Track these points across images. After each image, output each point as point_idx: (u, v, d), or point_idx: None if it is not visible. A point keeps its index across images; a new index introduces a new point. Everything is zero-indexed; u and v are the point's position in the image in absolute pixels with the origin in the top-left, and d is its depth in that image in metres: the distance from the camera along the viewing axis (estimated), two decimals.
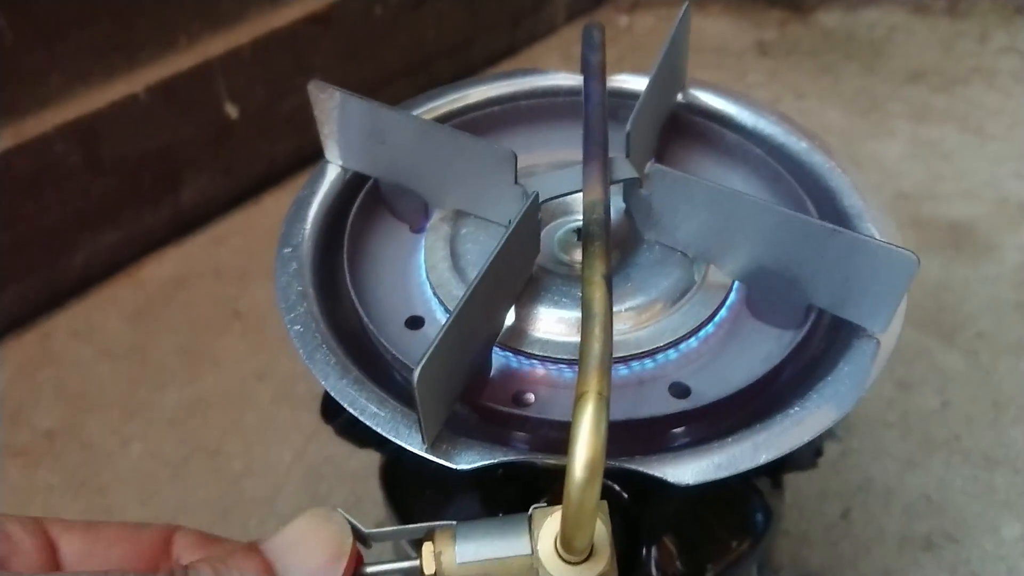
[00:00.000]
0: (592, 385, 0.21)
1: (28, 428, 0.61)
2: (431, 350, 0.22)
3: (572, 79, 0.39)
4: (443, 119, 0.37)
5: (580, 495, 0.20)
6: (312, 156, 0.88)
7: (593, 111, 0.31)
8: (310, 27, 0.78)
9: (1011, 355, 0.63)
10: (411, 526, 0.26)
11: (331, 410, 0.39)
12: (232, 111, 0.75)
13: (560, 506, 0.24)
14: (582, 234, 0.26)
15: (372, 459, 0.42)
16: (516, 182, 0.30)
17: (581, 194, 0.29)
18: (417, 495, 0.37)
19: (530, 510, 0.25)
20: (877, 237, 0.30)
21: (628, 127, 0.30)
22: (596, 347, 0.22)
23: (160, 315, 0.70)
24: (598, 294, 0.24)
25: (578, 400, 0.21)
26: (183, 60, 0.70)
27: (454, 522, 0.25)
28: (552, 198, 0.29)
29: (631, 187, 0.30)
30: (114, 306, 0.71)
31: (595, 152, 0.29)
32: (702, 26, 1.04)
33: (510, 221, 0.31)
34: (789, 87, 0.92)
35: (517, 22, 1.00)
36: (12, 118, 0.63)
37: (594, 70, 0.33)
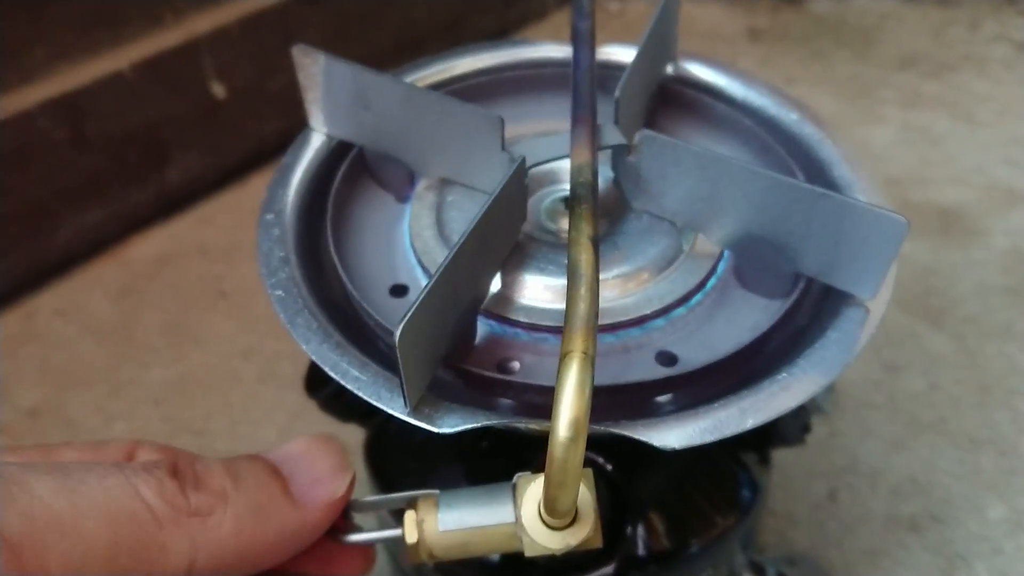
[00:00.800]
0: (577, 344, 0.21)
1: (10, 406, 0.60)
2: (412, 310, 0.21)
3: (560, 50, 0.38)
4: (431, 89, 0.36)
5: (564, 454, 0.20)
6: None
7: (581, 77, 0.30)
8: (299, 6, 0.77)
9: (997, 339, 0.63)
10: (394, 495, 0.26)
11: (315, 382, 0.39)
12: (219, 89, 0.75)
13: (544, 473, 0.24)
14: (569, 197, 0.26)
15: (356, 438, 0.42)
16: (503, 149, 0.29)
17: (568, 160, 0.29)
18: (401, 468, 0.36)
19: (514, 478, 0.25)
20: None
21: (617, 93, 0.30)
22: (582, 307, 0.22)
23: (145, 294, 0.69)
24: (584, 256, 0.23)
25: (563, 359, 0.21)
26: (169, 37, 0.70)
27: (437, 491, 0.25)
28: (539, 163, 0.29)
29: (619, 154, 0.30)
30: (99, 284, 0.70)
31: (583, 117, 0.28)
32: (693, 12, 1.03)
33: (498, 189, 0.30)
34: (780, 73, 0.92)
35: (509, 4, 1.00)
36: None
37: (583, 36, 0.32)
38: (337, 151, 0.33)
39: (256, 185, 0.80)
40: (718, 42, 0.97)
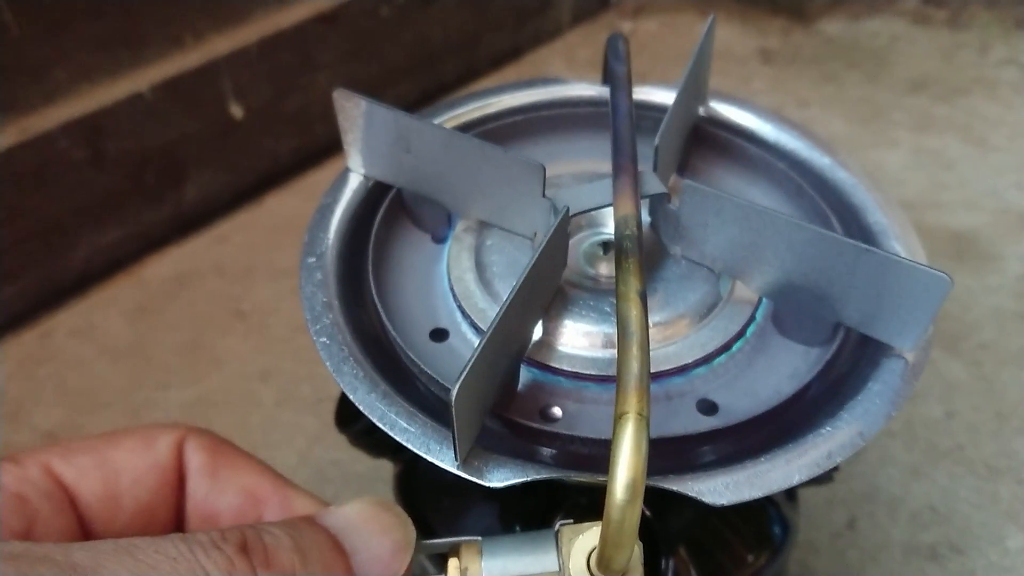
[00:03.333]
0: (632, 405, 0.21)
1: (29, 428, 0.61)
2: (467, 370, 0.22)
3: (592, 89, 0.39)
4: (465, 128, 0.36)
5: (621, 515, 0.20)
6: (315, 154, 0.89)
7: (621, 124, 0.31)
8: (317, 26, 0.77)
9: (1013, 365, 0.63)
10: (436, 541, 0.26)
11: (345, 417, 0.39)
12: (237, 110, 0.75)
13: (590, 524, 0.24)
14: (615, 250, 0.26)
15: (378, 463, 0.42)
16: (544, 195, 0.29)
17: (609, 207, 0.29)
18: (434, 505, 0.37)
19: (556, 526, 0.25)
20: (904, 255, 0.30)
21: (657, 141, 0.30)
22: (634, 366, 0.22)
23: (162, 314, 0.69)
24: (634, 312, 0.24)
25: (618, 420, 0.21)
26: (189, 58, 0.70)
27: (479, 538, 0.25)
28: (582, 212, 0.29)
29: (659, 201, 0.30)
30: (115, 304, 0.70)
31: (625, 166, 0.29)
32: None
33: (537, 233, 0.31)
34: (792, 95, 0.92)
35: (522, 23, 1.00)
36: (16, 114, 0.62)
37: (621, 81, 0.33)
38: (374, 191, 0.34)
39: (271, 203, 0.80)
40: (731, 63, 0.98)
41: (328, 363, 0.27)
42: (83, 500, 0.23)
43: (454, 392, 0.21)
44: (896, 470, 0.57)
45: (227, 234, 0.77)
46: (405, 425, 0.25)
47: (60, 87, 0.64)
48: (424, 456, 0.25)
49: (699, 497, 0.23)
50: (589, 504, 0.29)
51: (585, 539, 0.24)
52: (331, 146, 0.85)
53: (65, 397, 0.63)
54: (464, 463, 0.24)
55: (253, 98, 0.76)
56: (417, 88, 0.92)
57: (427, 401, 0.27)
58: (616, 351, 0.28)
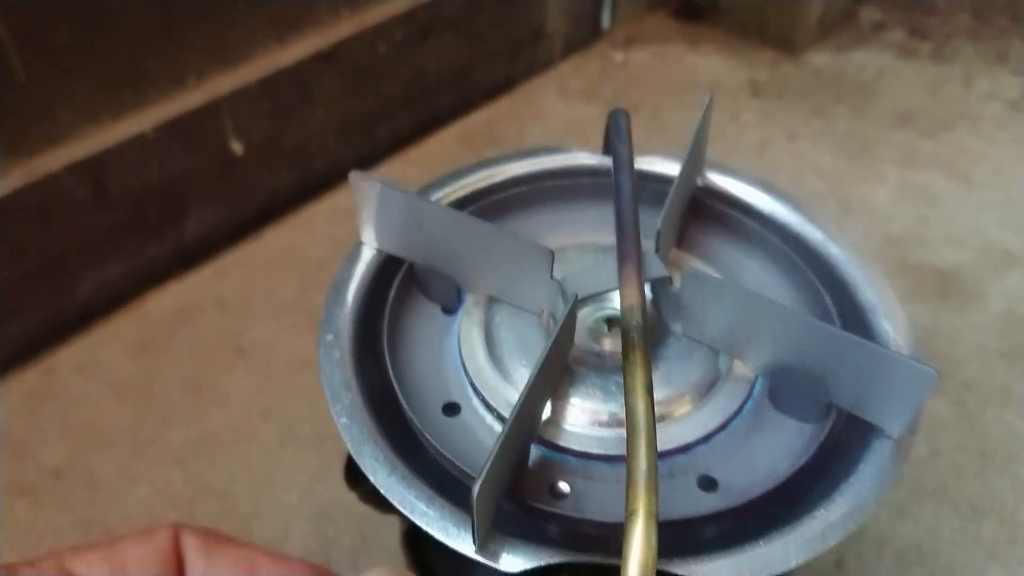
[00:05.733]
0: (641, 503, 0.23)
1: (34, 465, 0.61)
2: (488, 466, 0.23)
3: (594, 159, 0.40)
4: (471, 198, 0.38)
5: None
6: (313, 188, 0.90)
7: (624, 207, 0.32)
8: (316, 64, 0.79)
9: (996, 405, 0.65)
10: None
11: (354, 477, 0.40)
12: (237, 146, 0.76)
13: None
14: (622, 341, 0.27)
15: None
16: (552, 278, 0.31)
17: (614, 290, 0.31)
18: (443, 563, 0.38)
19: None
20: (893, 338, 0.31)
21: (659, 225, 0.32)
22: (643, 464, 0.24)
23: (164, 349, 0.70)
24: (642, 406, 0.25)
25: (629, 518, 0.22)
26: (191, 98, 0.71)
27: None
28: (589, 296, 0.31)
29: (661, 284, 0.32)
30: (117, 340, 0.71)
31: (629, 253, 0.30)
32: (695, 63, 1.06)
33: (545, 311, 0.32)
34: (781, 128, 0.94)
35: (515, 54, 1.02)
36: (22, 157, 0.63)
37: (623, 161, 0.34)
38: (386, 264, 0.35)
39: (270, 238, 0.81)
40: (721, 95, 1.00)
41: (349, 444, 0.28)
42: None
43: (476, 489, 0.23)
44: (883, 509, 0.58)
45: (227, 268, 0.78)
46: (424, 509, 0.26)
47: (64, 129, 0.65)
48: (443, 540, 0.26)
49: None
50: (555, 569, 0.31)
51: None
52: (328, 180, 0.86)
53: (70, 434, 0.63)
54: (481, 547, 0.25)
55: (253, 134, 0.77)
56: (412, 121, 0.93)
57: (440, 474, 0.29)
58: (622, 430, 0.29)
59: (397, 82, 0.88)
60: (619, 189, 0.33)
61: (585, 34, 1.10)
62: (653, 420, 0.25)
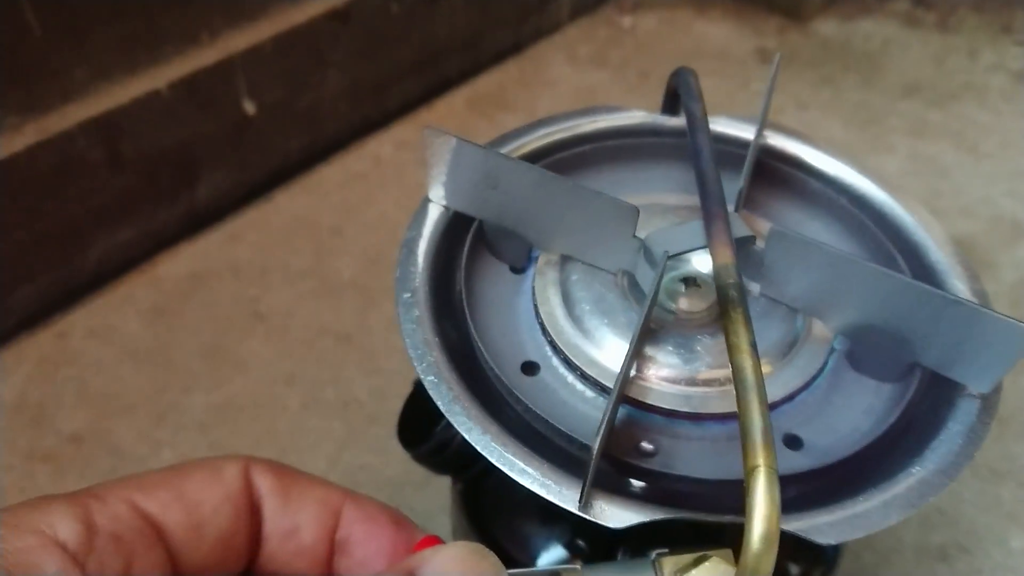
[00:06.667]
0: (761, 459, 0.23)
1: (53, 432, 0.60)
2: (603, 429, 0.23)
3: (650, 118, 0.40)
4: (532, 157, 0.37)
5: (756, 563, 0.22)
6: (322, 151, 0.89)
7: (705, 166, 0.32)
8: (329, 23, 0.77)
9: (1012, 372, 0.66)
10: (536, 570, 0.27)
11: (412, 437, 0.40)
12: (250, 107, 0.74)
13: (688, 555, 0.26)
14: (719, 299, 0.27)
15: (409, 467, 0.42)
16: (634, 236, 0.31)
17: (699, 250, 0.30)
18: (503, 524, 0.38)
19: (652, 555, 0.26)
20: (968, 296, 0.32)
21: (741, 184, 0.31)
22: (757, 420, 0.23)
23: (179, 315, 0.69)
24: (749, 363, 0.25)
25: (750, 473, 0.22)
26: (205, 56, 0.69)
27: (578, 566, 0.27)
28: (676, 254, 0.30)
29: (743, 243, 0.31)
30: (130, 304, 0.70)
31: (716, 212, 0.30)
32: (703, 30, 1.05)
33: (623, 270, 0.32)
34: (791, 97, 0.94)
35: (523, 19, 1.00)
36: (36, 114, 0.61)
37: (698, 122, 0.34)
38: (454, 222, 0.34)
39: (281, 201, 0.80)
40: (730, 64, 0.99)
41: (439, 403, 0.28)
42: (169, 533, 0.24)
43: (596, 446, 0.23)
44: None
45: (239, 232, 0.77)
46: (523, 466, 0.26)
47: (79, 86, 0.63)
48: (545, 496, 0.26)
49: (810, 538, 0.25)
50: (675, 534, 0.31)
51: (686, 571, 0.25)
52: (337, 142, 0.85)
53: (88, 400, 0.62)
54: (585, 505, 0.25)
55: (266, 95, 0.75)
56: (422, 84, 0.92)
57: (527, 432, 0.28)
58: (707, 388, 0.30)
59: (409, 46, 0.87)
60: (698, 149, 0.33)
61: None
62: (762, 377, 0.25)
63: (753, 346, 0.26)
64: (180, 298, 0.70)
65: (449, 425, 0.27)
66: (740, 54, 1.02)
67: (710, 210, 0.30)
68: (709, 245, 0.29)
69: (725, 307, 0.27)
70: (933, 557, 0.55)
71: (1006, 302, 0.72)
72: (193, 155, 0.72)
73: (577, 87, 0.96)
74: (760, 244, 0.31)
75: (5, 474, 0.57)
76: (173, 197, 0.73)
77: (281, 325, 0.68)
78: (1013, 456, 0.61)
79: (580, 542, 0.37)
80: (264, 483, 0.26)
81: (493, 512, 0.39)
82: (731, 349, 0.26)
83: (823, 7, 1.08)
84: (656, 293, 0.27)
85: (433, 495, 0.56)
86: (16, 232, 0.63)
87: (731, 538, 0.25)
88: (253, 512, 0.26)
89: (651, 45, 1.03)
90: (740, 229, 0.31)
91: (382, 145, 0.86)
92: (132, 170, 0.68)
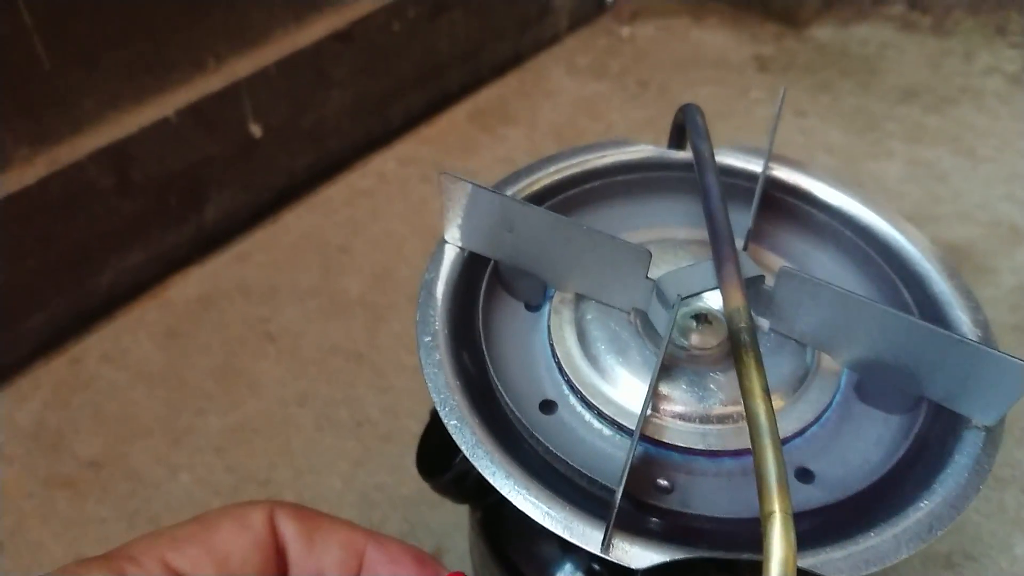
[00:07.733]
0: (777, 504, 0.24)
1: (71, 457, 0.61)
2: (626, 473, 0.24)
3: (657, 152, 0.41)
4: (538, 196, 0.38)
5: None
6: (327, 169, 0.90)
7: (715, 207, 0.33)
8: (333, 44, 0.78)
9: None
10: None
11: (432, 468, 0.41)
12: (256, 129, 0.75)
13: None
14: (732, 343, 0.28)
15: (424, 486, 0.42)
16: (647, 277, 0.32)
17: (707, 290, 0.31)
18: (523, 551, 0.39)
19: None
20: (971, 329, 0.33)
21: (750, 224, 0.32)
22: (772, 466, 0.24)
23: (191, 336, 0.70)
24: (763, 408, 0.26)
25: (766, 519, 0.23)
26: (212, 82, 0.70)
27: None
28: (688, 296, 0.31)
29: (753, 281, 0.32)
30: (142, 327, 0.71)
31: (727, 254, 0.31)
32: (700, 38, 1.06)
33: (636, 308, 0.33)
34: (790, 104, 0.95)
35: (523, 31, 1.01)
36: (47, 145, 0.62)
37: (706, 161, 0.35)
38: (469, 262, 0.35)
39: (288, 220, 0.81)
40: (729, 71, 1.00)
41: (463, 447, 0.29)
42: None
43: (618, 492, 0.24)
44: None
45: (247, 252, 0.77)
46: (547, 510, 0.27)
47: (88, 116, 0.64)
48: (569, 539, 0.27)
49: (823, 574, 0.26)
50: (692, 565, 0.32)
51: None
52: (342, 160, 0.86)
53: (104, 425, 0.63)
54: (606, 547, 0.26)
55: (272, 117, 0.76)
56: (424, 99, 0.93)
57: (546, 472, 0.29)
58: (722, 426, 0.30)
59: (411, 61, 0.88)
60: (707, 190, 0.34)
61: (590, 8, 1.09)
62: (775, 421, 0.26)
63: (766, 391, 0.26)
64: (191, 320, 0.71)
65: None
66: (738, 61, 1.02)
67: (720, 252, 0.31)
68: (721, 288, 0.30)
69: (738, 351, 0.28)
70: (939, 565, 0.56)
71: (1005, 307, 0.73)
72: (201, 178, 0.73)
73: (577, 97, 0.97)
74: (769, 281, 0.32)
75: (26, 501, 0.58)
76: (182, 220, 0.74)
77: (292, 344, 0.69)
78: (1017, 463, 0.62)
79: (598, 567, 0.38)
80: (288, 528, 0.27)
81: (512, 538, 0.40)
82: (744, 394, 0.27)
83: (819, 13, 1.09)
84: (670, 335, 0.28)
85: (448, 513, 0.57)
86: (28, 260, 0.64)
87: (746, 572, 0.26)
88: (279, 557, 0.27)
89: (649, 54, 1.03)
90: (750, 269, 0.32)
91: (386, 162, 0.87)
92: (141, 195, 0.69)
